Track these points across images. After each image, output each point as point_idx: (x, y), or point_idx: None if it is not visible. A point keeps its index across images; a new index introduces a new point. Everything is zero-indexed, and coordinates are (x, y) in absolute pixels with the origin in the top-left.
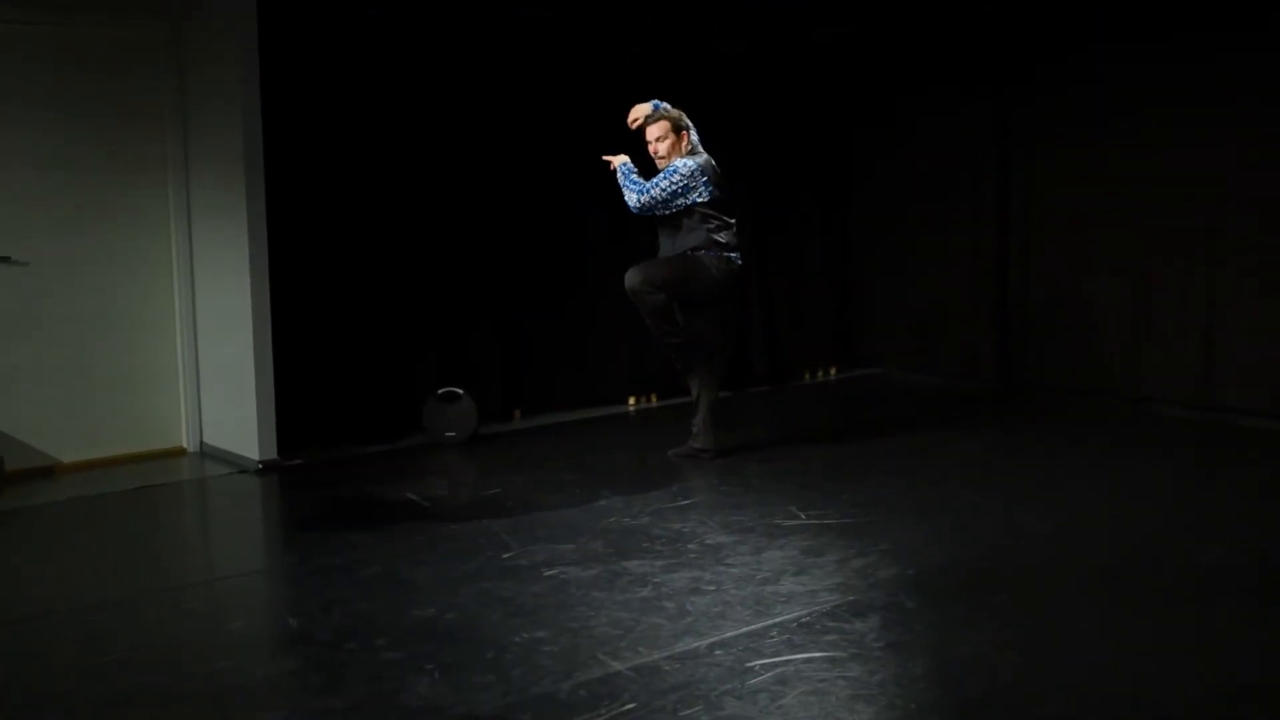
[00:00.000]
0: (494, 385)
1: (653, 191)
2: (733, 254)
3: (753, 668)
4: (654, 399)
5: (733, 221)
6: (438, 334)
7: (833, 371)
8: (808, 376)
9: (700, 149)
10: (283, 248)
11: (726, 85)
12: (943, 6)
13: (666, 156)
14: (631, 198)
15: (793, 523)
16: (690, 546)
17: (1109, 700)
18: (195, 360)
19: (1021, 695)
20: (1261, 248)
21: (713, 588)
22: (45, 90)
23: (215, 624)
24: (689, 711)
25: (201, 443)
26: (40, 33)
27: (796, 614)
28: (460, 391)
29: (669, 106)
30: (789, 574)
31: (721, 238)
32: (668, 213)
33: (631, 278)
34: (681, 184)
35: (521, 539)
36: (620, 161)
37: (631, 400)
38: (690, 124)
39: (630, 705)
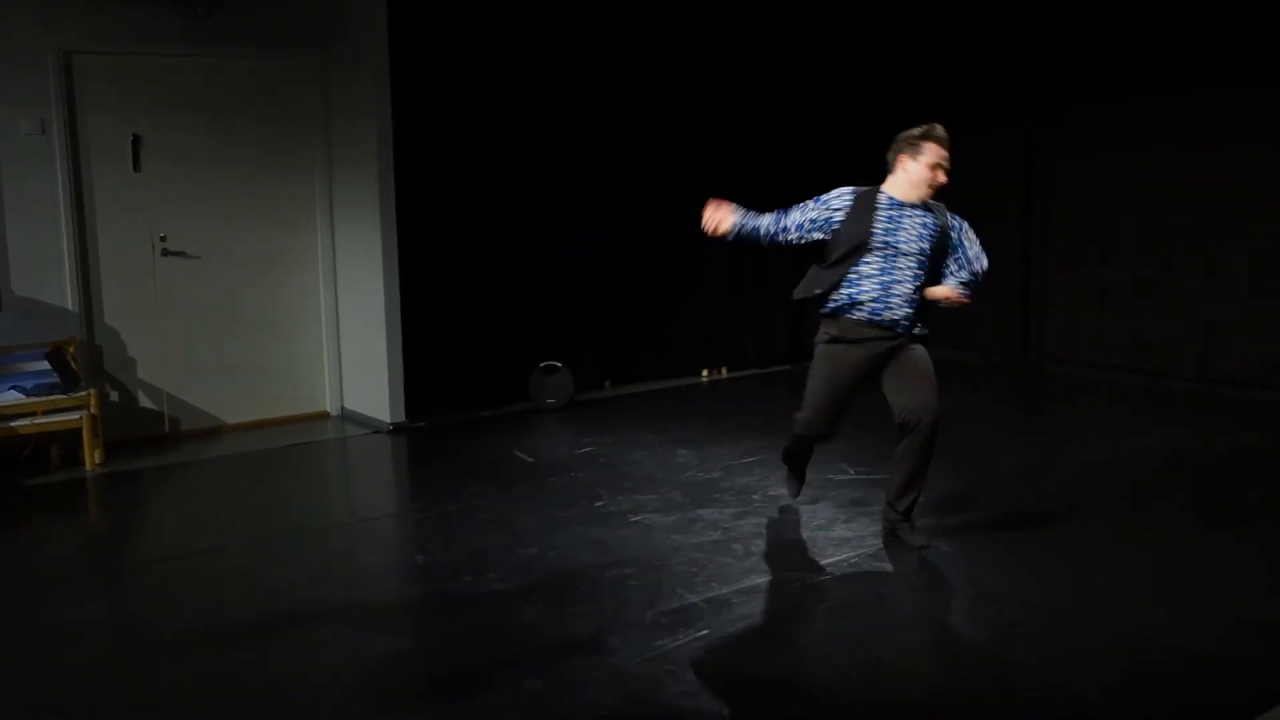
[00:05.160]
0: (588, 359)
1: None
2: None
3: (808, 601)
4: (724, 371)
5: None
6: (541, 316)
7: None
8: None
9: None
10: (412, 243)
11: (768, 108)
12: (984, 46)
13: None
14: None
15: (843, 477)
16: (755, 497)
17: (1123, 632)
18: (338, 338)
19: (1044, 625)
20: (1254, 245)
21: (774, 532)
22: (217, 112)
23: (354, 558)
24: (755, 638)
25: (343, 407)
26: (209, 63)
27: (847, 555)
28: (559, 365)
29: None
30: (840, 521)
31: None
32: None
33: (927, 410)
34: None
35: (611, 490)
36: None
37: (705, 372)
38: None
39: (704, 631)
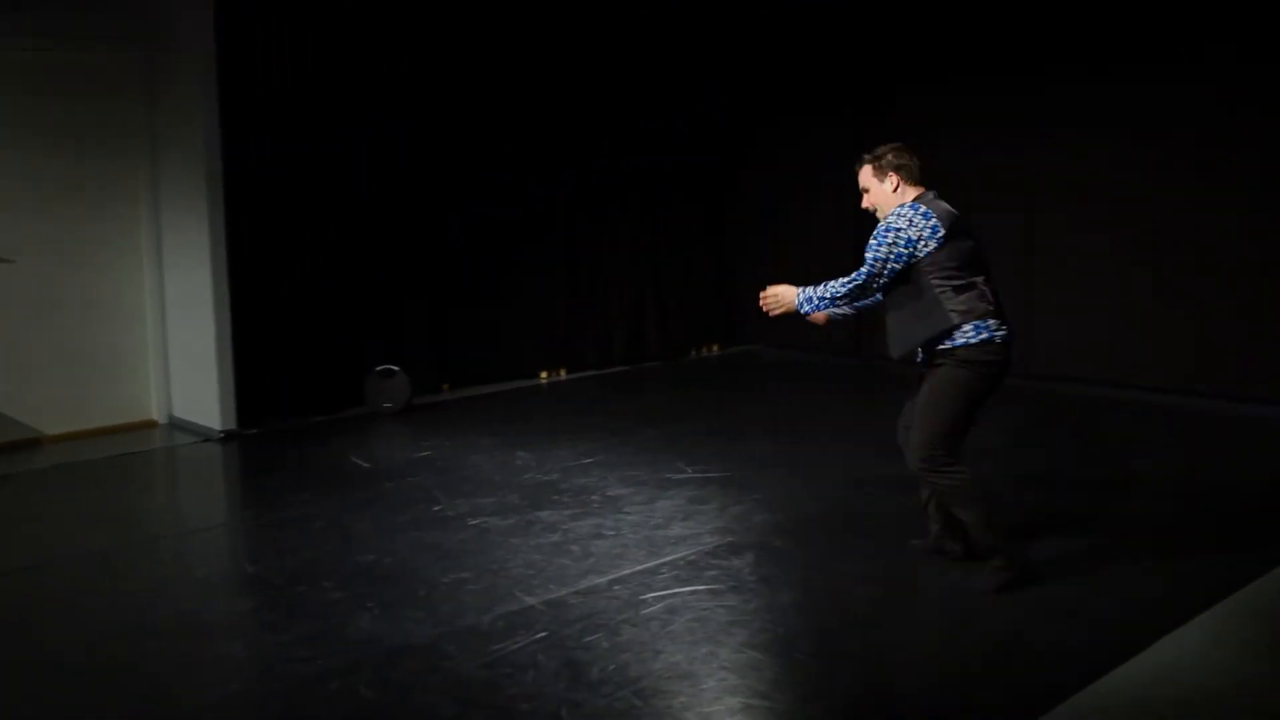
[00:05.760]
0: (426, 362)
1: (868, 267)
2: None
3: (646, 600)
4: (563, 373)
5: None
6: (377, 319)
7: (715, 348)
8: (694, 353)
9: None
10: (241, 243)
11: (623, 106)
12: (812, 50)
13: (882, 207)
14: (844, 291)
15: (681, 476)
16: (593, 498)
17: (946, 623)
18: (164, 343)
19: (872, 621)
20: (1068, 240)
21: (612, 533)
22: (32, 109)
23: (182, 571)
24: (591, 638)
25: (170, 415)
26: (28, 59)
27: (683, 554)
28: (396, 368)
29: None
30: (677, 520)
31: (975, 303)
32: (884, 283)
33: (911, 453)
34: (895, 240)
35: (449, 494)
36: (791, 300)
37: (544, 374)
38: (903, 162)
39: (542, 634)
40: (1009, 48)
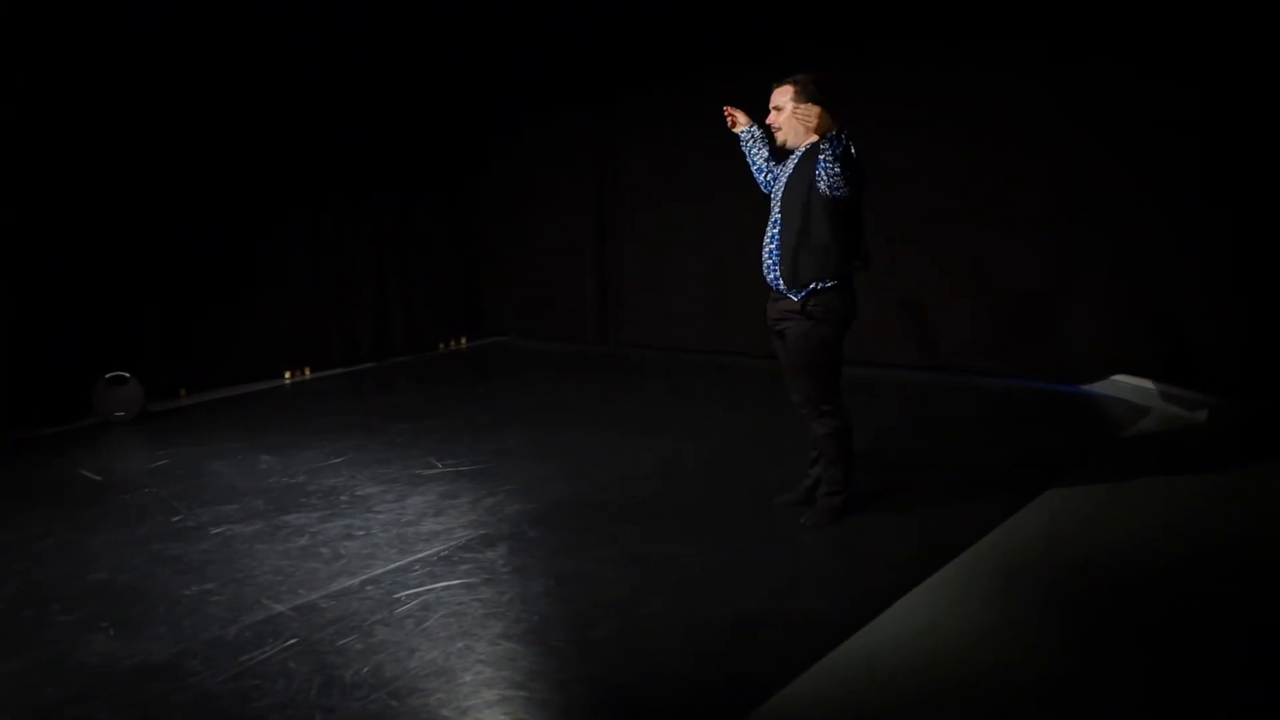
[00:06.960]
0: (160, 367)
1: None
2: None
3: (400, 598)
4: (308, 372)
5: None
6: (105, 323)
7: (464, 341)
8: (442, 346)
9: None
10: None
11: (364, 95)
12: (556, 43)
13: (789, 133)
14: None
15: (432, 472)
16: (343, 498)
17: (698, 601)
18: None
19: (625, 602)
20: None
21: (363, 532)
22: None
23: None
24: (345, 641)
25: None
26: None
27: (436, 549)
28: (127, 375)
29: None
30: (429, 516)
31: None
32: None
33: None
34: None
35: (189, 503)
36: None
37: (288, 374)
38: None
39: (293, 641)
40: (745, 43)
